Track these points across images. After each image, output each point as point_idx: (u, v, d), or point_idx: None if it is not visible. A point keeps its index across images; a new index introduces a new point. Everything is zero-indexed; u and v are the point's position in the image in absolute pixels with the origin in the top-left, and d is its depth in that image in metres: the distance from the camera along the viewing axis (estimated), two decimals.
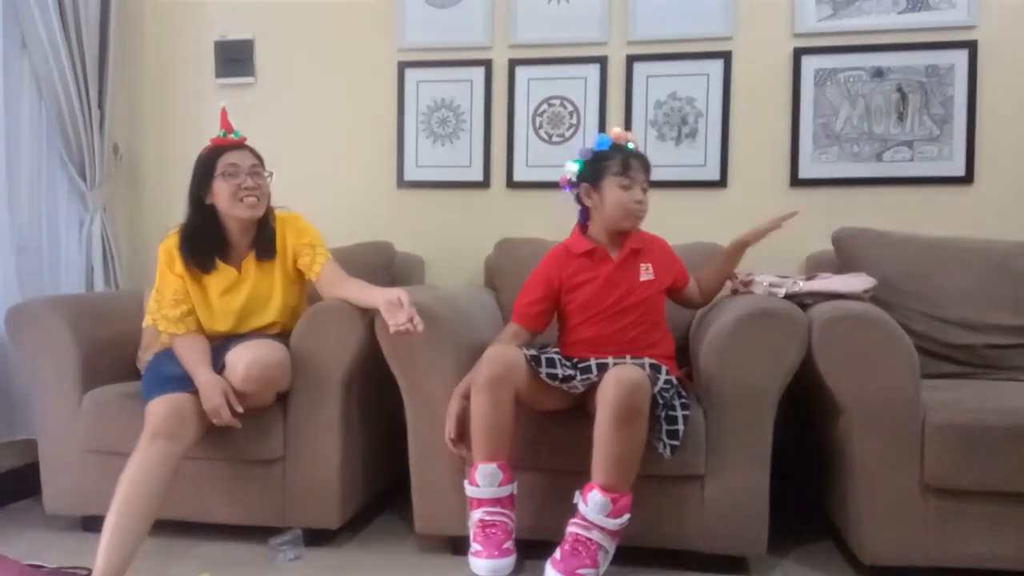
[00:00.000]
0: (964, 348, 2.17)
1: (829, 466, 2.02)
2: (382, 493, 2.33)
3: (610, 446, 1.68)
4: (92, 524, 2.11)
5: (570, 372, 1.82)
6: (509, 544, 1.73)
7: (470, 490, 1.77)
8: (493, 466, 1.75)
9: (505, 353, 1.81)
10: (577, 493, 1.72)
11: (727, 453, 1.85)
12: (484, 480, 1.75)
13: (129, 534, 1.70)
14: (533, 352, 1.87)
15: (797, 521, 2.19)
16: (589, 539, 1.67)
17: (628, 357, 1.86)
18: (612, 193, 1.96)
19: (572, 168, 2.03)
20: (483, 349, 1.85)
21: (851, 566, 1.94)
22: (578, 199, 2.05)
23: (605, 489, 1.67)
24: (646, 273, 1.98)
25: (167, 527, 2.00)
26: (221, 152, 2.04)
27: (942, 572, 1.81)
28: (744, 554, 1.91)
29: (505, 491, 1.76)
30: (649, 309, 1.97)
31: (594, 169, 1.99)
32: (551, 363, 1.84)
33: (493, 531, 1.73)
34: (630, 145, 2.00)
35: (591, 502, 1.67)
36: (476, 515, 1.76)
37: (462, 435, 1.86)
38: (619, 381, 1.69)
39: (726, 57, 2.65)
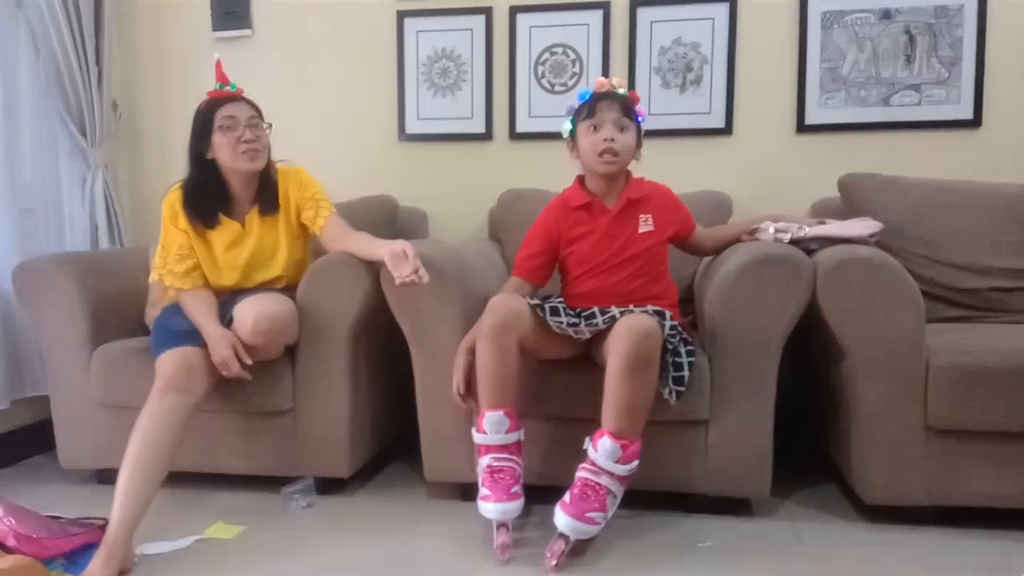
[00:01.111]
0: (969, 292, 2.17)
1: (832, 410, 2.04)
2: (391, 443, 2.37)
3: (621, 393, 1.69)
4: (107, 477, 2.15)
5: (575, 320, 1.83)
6: (517, 488, 1.76)
7: (477, 437, 1.80)
8: (500, 413, 1.77)
9: (509, 302, 1.82)
10: (587, 439, 1.74)
11: (731, 398, 1.87)
12: (491, 427, 1.77)
13: (143, 485, 1.73)
14: (537, 301, 1.87)
15: (800, 464, 2.22)
16: (598, 484, 1.70)
17: (632, 307, 1.86)
18: (584, 140, 1.94)
19: (565, 127, 2.01)
20: (487, 300, 1.85)
21: (853, 506, 1.97)
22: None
23: (615, 436, 1.69)
24: (645, 224, 1.97)
25: (182, 479, 2.04)
26: (218, 105, 2.02)
27: (942, 511, 1.84)
28: (748, 496, 1.95)
29: (512, 438, 1.79)
30: (649, 261, 1.96)
31: (573, 122, 1.98)
32: (555, 311, 1.84)
33: (501, 476, 1.75)
34: (621, 91, 1.95)
35: (601, 448, 1.70)
36: (484, 461, 1.79)
37: (469, 388, 1.87)
38: (631, 330, 1.70)
39: (731, 1, 2.60)
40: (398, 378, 2.20)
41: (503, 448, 1.78)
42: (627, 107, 1.93)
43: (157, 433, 1.78)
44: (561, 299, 1.99)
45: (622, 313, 1.81)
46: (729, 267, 1.88)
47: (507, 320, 1.78)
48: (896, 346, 1.79)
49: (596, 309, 1.86)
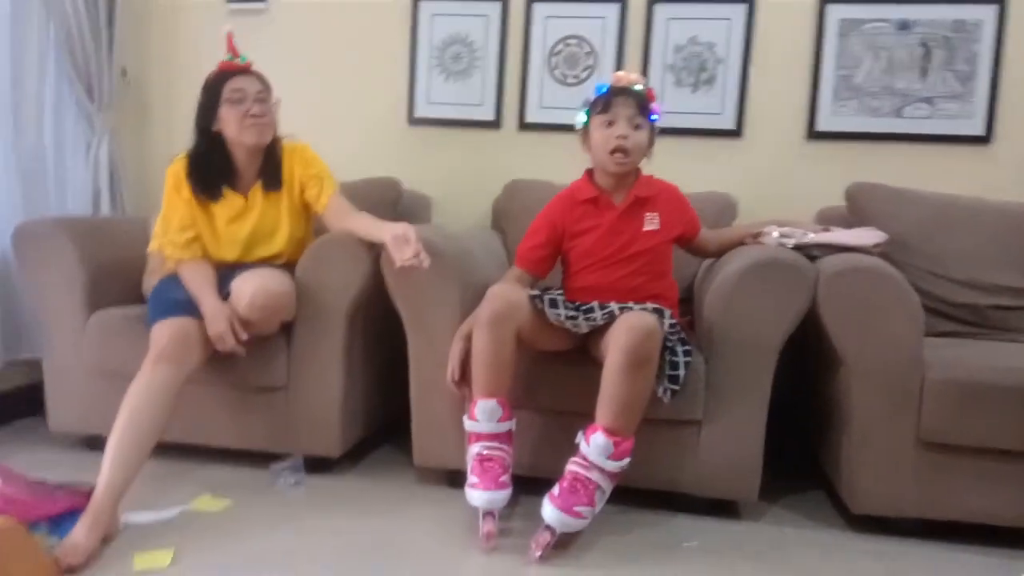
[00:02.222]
0: (969, 308, 2.17)
1: (825, 418, 2.04)
2: (383, 426, 2.37)
3: (618, 390, 1.69)
4: (95, 443, 2.14)
5: (573, 313, 1.83)
6: (505, 478, 1.76)
7: (469, 424, 1.79)
8: (492, 402, 1.76)
9: (508, 291, 1.81)
10: (580, 433, 1.73)
11: (725, 400, 1.87)
12: (483, 415, 1.77)
13: (131, 455, 1.72)
14: (536, 292, 1.87)
15: (790, 471, 2.22)
16: (588, 479, 1.70)
17: (632, 303, 1.85)
18: (596, 133, 1.92)
19: (579, 119, 1.99)
20: (486, 288, 1.84)
21: (840, 514, 1.98)
22: None
23: (609, 432, 1.69)
24: (651, 223, 1.96)
25: (170, 450, 2.04)
26: (227, 77, 2.01)
27: (927, 524, 1.84)
28: (736, 499, 1.94)
29: (504, 427, 1.78)
30: (653, 259, 1.95)
31: (588, 114, 1.96)
32: (554, 303, 1.84)
33: (490, 464, 1.75)
34: (638, 87, 1.94)
35: (593, 443, 1.69)
36: (474, 449, 1.78)
37: (464, 376, 1.87)
38: (632, 327, 1.69)
39: (750, 2, 2.58)
40: (392, 361, 2.20)
41: (494, 437, 1.77)
42: (643, 105, 1.91)
43: (148, 402, 1.77)
44: (561, 291, 1.98)
45: (621, 310, 1.80)
46: (731, 269, 1.87)
47: (505, 309, 1.77)
48: (893, 357, 1.79)
49: (595, 304, 1.86)
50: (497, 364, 1.77)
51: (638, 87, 1.93)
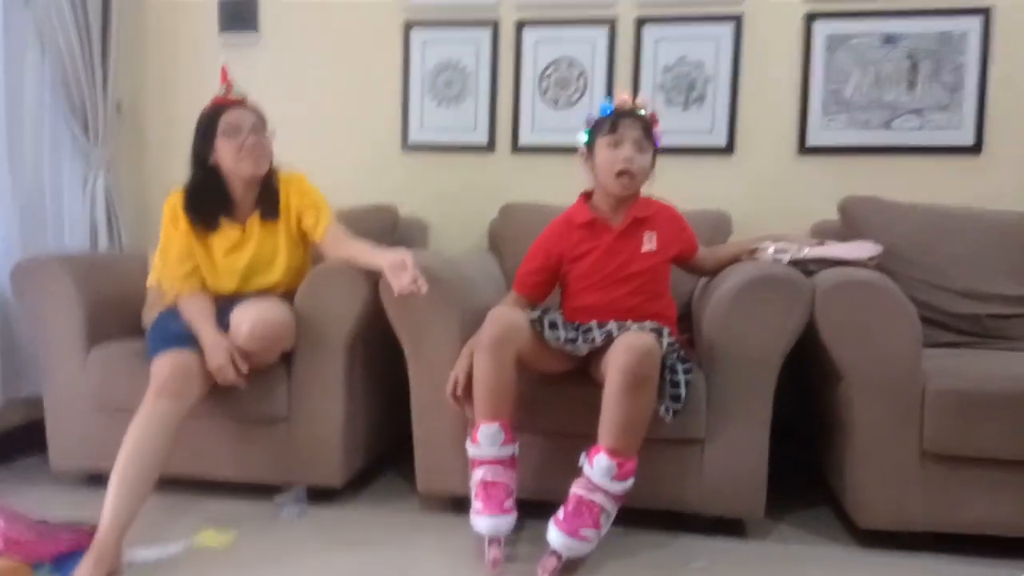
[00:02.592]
0: (967, 317, 2.17)
1: (828, 432, 2.04)
2: (385, 453, 2.36)
3: (619, 411, 1.68)
4: (97, 480, 2.13)
5: (573, 335, 1.83)
6: (509, 503, 1.75)
7: (472, 450, 1.79)
8: (495, 426, 1.76)
9: (508, 315, 1.82)
10: (583, 455, 1.73)
11: (728, 418, 1.86)
12: (486, 440, 1.76)
13: (134, 490, 1.72)
14: (536, 314, 1.87)
15: (795, 486, 2.21)
16: (592, 501, 1.69)
17: (630, 322, 1.86)
18: (601, 154, 1.93)
19: (581, 138, 2.00)
20: (485, 312, 1.85)
21: (847, 530, 1.97)
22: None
23: (611, 453, 1.68)
24: (648, 243, 1.97)
25: (172, 484, 2.02)
26: (222, 111, 2.03)
27: (936, 537, 1.83)
28: (742, 517, 1.94)
29: (507, 451, 1.78)
30: (651, 279, 1.96)
31: (591, 134, 1.97)
32: (553, 325, 1.84)
33: (494, 490, 1.74)
34: (642, 111, 1.95)
35: (596, 465, 1.68)
36: (478, 474, 1.78)
37: (467, 392, 1.86)
38: (630, 347, 1.69)
39: (737, 21, 2.61)
40: (392, 387, 2.19)
41: (497, 461, 1.77)
42: (648, 128, 1.93)
43: (150, 437, 1.77)
44: (560, 312, 1.99)
45: (620, 329, 1.80)
46: (727, 286, 1.88)
47: (505, 333, 1.77)
48: (893, 370, 1.79)
49: (594, 324, 1.86)
50: (498, 388, 1.77)
51: (643, 110, 1.95)
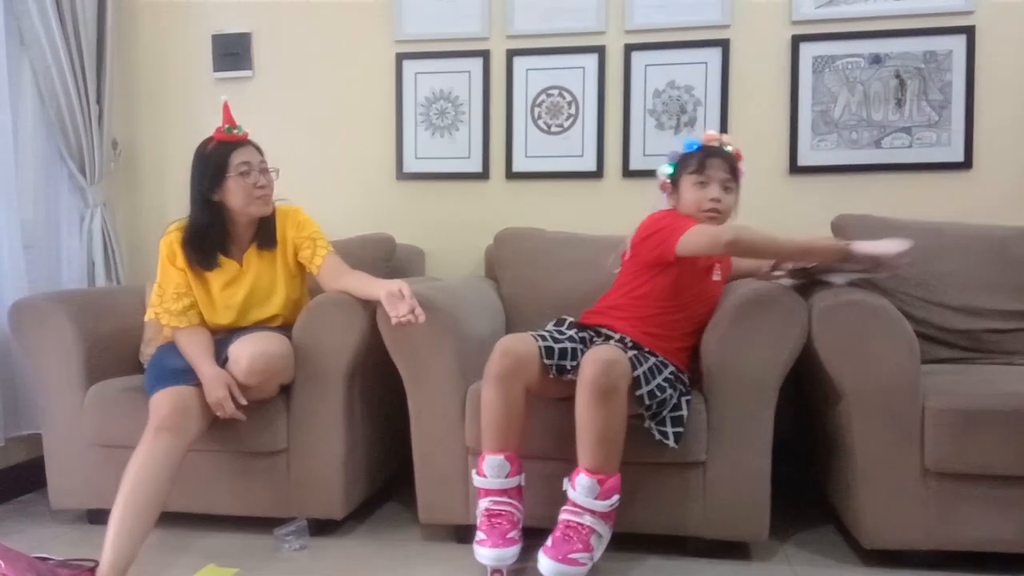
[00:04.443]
0: (963, 333, 2.18)
1: (829, 451, 2.03)
2: (386, 483, 2.35)
3: (590, 425, 1.69)
4: (97, 517, 2.13)
5: (575, 363, 1.80)
6: (514, 534, 1.74)
7: (477, 480, 1.78)
8: (500, 457, 1.75)
9: (518, 346, 1.79)
10: (565, 480, 1.73)
11: (728, 439, 1.86)
12: (491, 471, 1.75)
13: (135, 527, 1.71)
14: (547, 341, 1.83)
15: (798, 506, 2.20)
16: (580, 524, 1.68)
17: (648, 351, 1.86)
18: (687, 191, 1.97)
19: (664, 170, 2.04)
20: (483, 340, 1.84)
21: (852, 550, 1.96)
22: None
23: (590, 471, 1.68)
24: (716, 274, 1.99)
25: (173, 519, 2.02)
26: (230, 149, 2.03)
27: (942, 555, 1.83)
28: (746, 539, 1.93)
29: (512, 482, 1.76)
30: (711, 312, 1.94)
31: (677, 169, 2.01)
32: (563, 354, 1.81)
33: (499, 521, 1.73)
34: (728, 148, 1.99)
35: (579, 486, 1.69)
36: (482, 504, 1.77)
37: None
38: (595, 359, 1.70)
39: (724, 45, 2.65)
40: (392, 416, 2.19)
41: (502, 492, 1.76)
42: (734, 167, 1.97)
43: (150, 474, 1.76)
44: (575, 324, 1.97)
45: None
46: (725, 307, 1.89)
47: (515, 366, 1.76)
48: (891, 388, 1.79)
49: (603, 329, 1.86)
50: (506, 420, 1.76)
51: (729, 147, 1.98)
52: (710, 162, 1.95)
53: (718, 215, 1.95)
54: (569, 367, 1.80)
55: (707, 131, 2.04)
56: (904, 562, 1.84)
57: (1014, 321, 2.18)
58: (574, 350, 1.83)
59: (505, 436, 1.77)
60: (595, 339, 1.90)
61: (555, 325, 2.00)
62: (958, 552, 1.81)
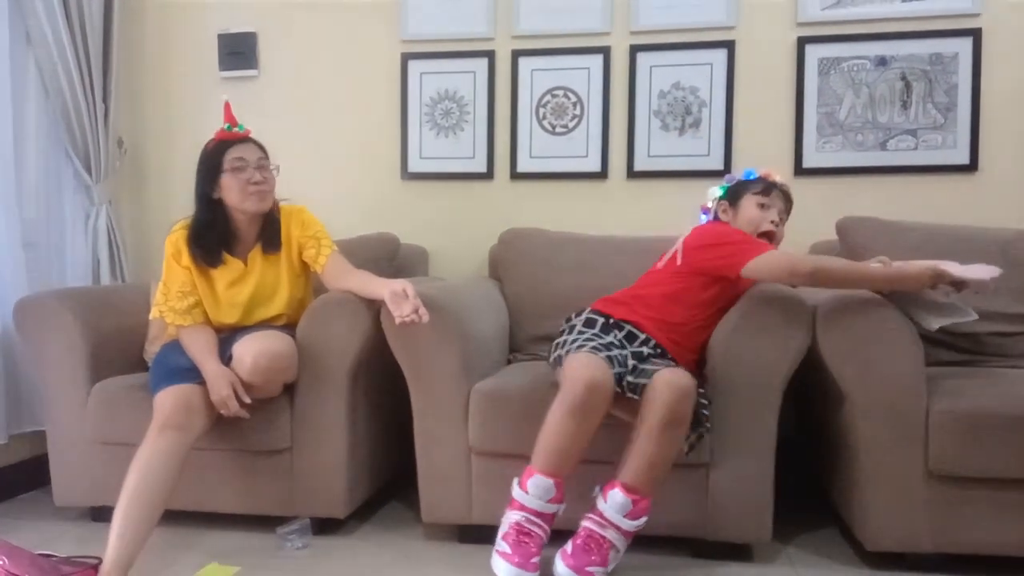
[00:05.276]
0: (967, 336, 2.17)
1: (833, 454, 2.03)
2: (389, 482, 2.35)
3: (649, 448, 1.67)
4: (101, 515, 2.13)
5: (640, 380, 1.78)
6: (537, 560, 1.69)
7: (517, 492, 1.73)
8: (551, 482, 1.69)
9: (601, 379, 1.70)
10: (597, 488, 1.71)
11: (732, 441, 1.86)
12: (536, 491, 1.70)
13: (139, 524, 1.71)
14: (616, 367, 1.76)
15: (801, 508, 2.20)
16: (603, 537, 1.67)
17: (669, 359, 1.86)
18: (749, 209, 2.02)
19: (715, 192, 2.09)
20: (487, 340, 1.83)
21: (855, 552, 1.95)
22: (714, 215, 2.09)
23: (628, 489, 1.67)
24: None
25: (176, 517, 2.02)
26: (227, 147, 2.04)
27: (945, 558, 1.82)
28: (749, 541, 1.92)
29: (552, 508, 1.72)
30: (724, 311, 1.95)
31: (735, 190, 2.06)
32: (631, 370, 1.79)
33: (527, 540, 1.69)
34: (787, 189, 2.08)
35: (611, 500, 1.67)
36: (513, 516, 1.72)
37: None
38: (671, 385, 1.67)
39: (729, 47, 2.65)
40: (395, 415, 2.19)
41: (539, 514, 1.71)
42: (790, 206, 2.07)
43: (154, 471, 1.77)
44: (603, 319, 1.94)
45: (656, 367, 1.77)
46: (729, 312, 1.89)
47: (600, 403, 1.70)
48: (895, 390, 1.79)
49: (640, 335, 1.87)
50: (573, 451, 1.70)
51: (787, 189, 2.07)
52: (776, 192, 2.04)
53: (771, 239, 1.99)
54: (638, 386, 1.75)
55: (766, 168, 2.10)
56: (907, 565, 1.84)
57: (1018, 324, 2.17)
58: (634, 367, 1.81)
59: (562, 463, 1.70)
60: (645, 351, 1.86)
61: (585, 326, 1.91)
62: (961, 555, 1.81)
